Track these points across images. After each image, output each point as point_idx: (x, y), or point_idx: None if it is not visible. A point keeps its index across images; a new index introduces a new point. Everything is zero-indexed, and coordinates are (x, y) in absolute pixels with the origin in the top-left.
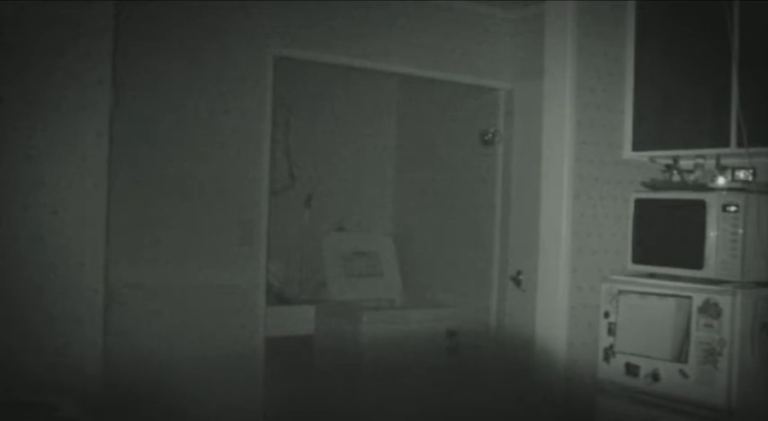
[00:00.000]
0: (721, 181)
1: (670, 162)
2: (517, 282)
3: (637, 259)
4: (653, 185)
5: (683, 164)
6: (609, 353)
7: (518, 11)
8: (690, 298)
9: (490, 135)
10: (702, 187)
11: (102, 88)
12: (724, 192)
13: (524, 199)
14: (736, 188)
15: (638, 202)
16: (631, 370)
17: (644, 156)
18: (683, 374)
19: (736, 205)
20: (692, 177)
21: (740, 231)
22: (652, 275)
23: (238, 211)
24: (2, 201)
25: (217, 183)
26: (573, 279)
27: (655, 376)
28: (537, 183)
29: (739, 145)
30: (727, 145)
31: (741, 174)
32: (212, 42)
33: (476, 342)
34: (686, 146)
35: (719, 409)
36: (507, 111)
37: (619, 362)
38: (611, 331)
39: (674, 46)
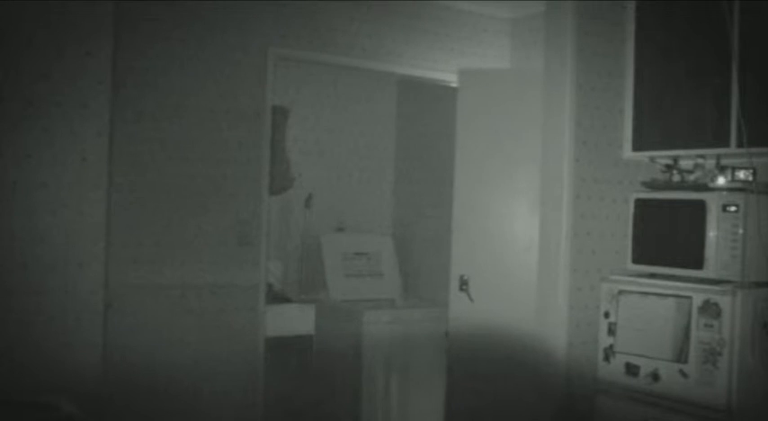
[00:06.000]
0: (721, 181)
1: (670, 162)
2: (463, 289)
3: (637, 259)
4: (653, 185)
5: (683, 164)
6: (609, 353)
7: (518, 11)
8: (690, 298)
9: None
10: (702, 187)
11: (102, 88)
12: (724, 192)
13: (468, 198)
14: (736, 188)
15: (638, 202)
16: (631, 370)
17: (644, 156)
18: (683, 374)
19: (736, 205)
20: (692, 177)
21: (740, 231)
22: (652, 275)
23: (238, 211)
24: (2, 201)
25: (217, 183)
26: (573, 279)
27: (655, 376)
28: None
29: (739, 145)
30: (727, 145)
31: (741, 174)
32: (212, 42)
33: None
34: (686, 146)
35: (719, 409)
36: None
37: (619, 362)
38: (611, 331)
39: (673, 46)
